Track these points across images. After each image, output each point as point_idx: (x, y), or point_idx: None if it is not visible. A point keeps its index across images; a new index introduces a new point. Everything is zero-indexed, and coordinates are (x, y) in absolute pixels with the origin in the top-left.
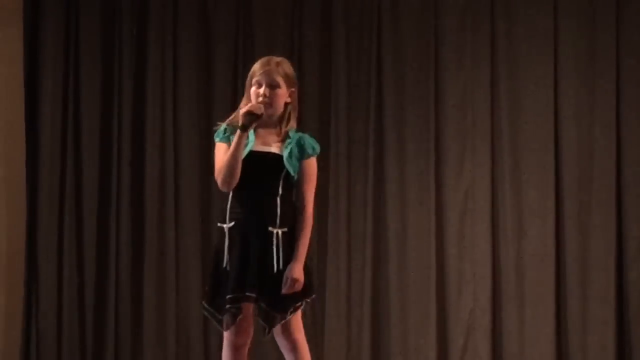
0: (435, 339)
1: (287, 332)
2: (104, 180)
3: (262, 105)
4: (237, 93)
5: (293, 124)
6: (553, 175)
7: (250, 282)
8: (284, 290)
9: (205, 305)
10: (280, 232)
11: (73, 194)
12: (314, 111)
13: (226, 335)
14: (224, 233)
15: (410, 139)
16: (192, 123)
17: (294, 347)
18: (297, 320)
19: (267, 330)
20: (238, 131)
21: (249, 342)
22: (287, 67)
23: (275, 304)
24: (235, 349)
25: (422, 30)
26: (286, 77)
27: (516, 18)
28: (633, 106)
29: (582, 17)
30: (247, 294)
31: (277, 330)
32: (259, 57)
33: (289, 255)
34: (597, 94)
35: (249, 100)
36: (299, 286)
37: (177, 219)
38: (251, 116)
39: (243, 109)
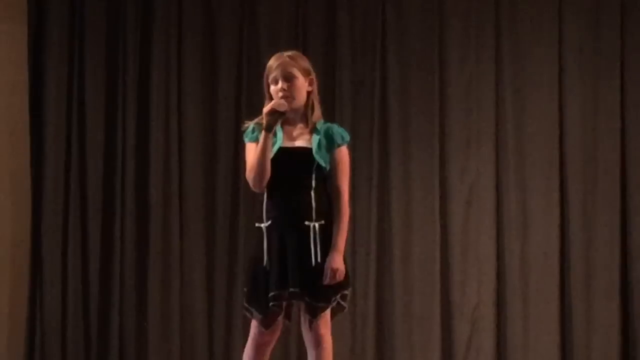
0: (440, 335)
1: (314, 326)
2: (108, 178)
3: (284, 102)
4: (242, 89)
5: (318, 113)
6: (557, 172)
7: (293, 278)
8: (325, 281)
9: (246, 305)
10: (317, 225)
11: (78, 192)
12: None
13: (253, 332)
14: (262, 232)
15: (414, 135)
16: (196, 120)
17: (318, 343)
18: (325, 317)
19: (311, 323)
20: (263, 132)
21: (274, 341)
22: (300, 57)
23: (318, 295)
24: (260, 346)
25: (427, 27)
26: (301, 67)
27: (521, 16)
28: (638, 104)
29: (587, 16)
30: (291, 289)
31: (304, 324)
32: (264, 52)
33: (327, 247)
34: (602, 92)
35: (270, 99)
36: (340, 276)
37: (182, 217)
38: (274, 115)
39: (266, 109)
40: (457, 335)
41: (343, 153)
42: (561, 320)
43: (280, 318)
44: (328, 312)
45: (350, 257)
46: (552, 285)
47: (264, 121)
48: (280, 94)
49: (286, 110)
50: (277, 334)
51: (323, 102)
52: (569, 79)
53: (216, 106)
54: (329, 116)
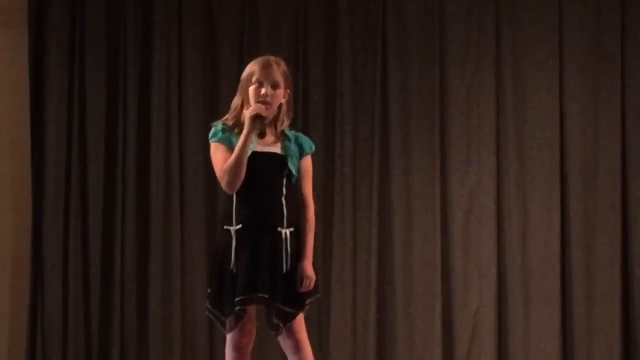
0: (441, 339)
1: (292, 332)
2: (109, 180)
3: (264, 107)
4: None
5: (287, 122)
6: (558, 175)
7: (262, 283)
8: (301, 289)
9: (210, 307)
10: (287, 232)
11: (78, 195)
12: (319, 111)
13: (230, 336)
14: (231, 235)
15: (415, 139)
16: (197, 122)
17: (297, 347)
18: (300, 321)
19: (280, 329)
20: (243, 134)
21: (251, 343)
22: (284, 66)
23: (291, 301)
24: (239, 349)
25: (427, 32)
26: (285, 78)
27: (521, 21)
28: (639, 109)
29: (587, 20)
30: (260, 294)
31: (279, 333)
32: (264, 54)
33: (296, 254)
34: (603, 96)
35: (245, 98)
36: (312, 283)
37: (183, 220)
38: (260, 119)
39: (250, 112)
40: (458, 339)
41: (310, 162)
42: (562, 324)
43: (251, 320)
44: (302, 318)
45: (351, 261)
46: (553, 288)
47: (248, 124)
48: (263, 98)
49: (266, 115)
50: (253, 335)
51: (324, 114)
52: (569, 84)
53: (217, 109)
54: (330, 121)
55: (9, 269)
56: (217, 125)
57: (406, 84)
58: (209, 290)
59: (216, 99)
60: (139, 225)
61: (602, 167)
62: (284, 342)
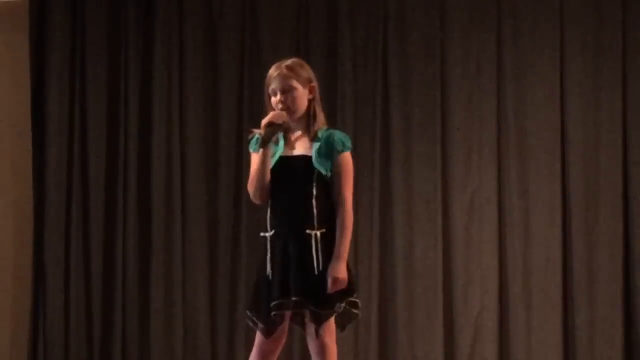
0: (443, 342)
1: (319, 335)
2: (110, 184)
3: (284, 113)
4: (244, 97)
5: (321, 120)
6: (560, 178)
7: (295, 287)
8: (328, 290)
9: (248, 313)
10: (318, 233)
11: (80, 199)
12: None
13: (258, 340)
14: (266, 242)
15: (416, 144)
16: (198, 126)
17: (322, 351)
18: (329, 325)
19: (316, 331)
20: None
21: (279, 349)
22: (298, 66)
23: (322, 303)
24: (264, 355)
25: (428, 34)
26: (299, 77)
27: (522, 20)
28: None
29: (588, 20)
30: (293, 298)
31: (309, 333)
32: (266, 61)
33: (330, 255)
34: (604, 99)
35: (270, 109)
36: (342, 284)
37: (184, 223)
38: (272, 127)
39: (263, 121)
40: (460, 343)
41: (345, 160)
42: (564, 327)
43: (283, 326)
44: (332, 321)
45: (353, 266)
46: (554, 292)
47: (262, 134)
48: (280, 106)
49: (285, 121)
50: (282, 342)
51: (324, 109)
52: (570, 86)
53: (218, 113)
54: (331, 124)
55: (10, 272)
56: (255, 135)
57: (407, 89)
58: (249, 299)
59: (217, 100)
60: (141, 228)
61: (604, 169)
62: (311, 345)
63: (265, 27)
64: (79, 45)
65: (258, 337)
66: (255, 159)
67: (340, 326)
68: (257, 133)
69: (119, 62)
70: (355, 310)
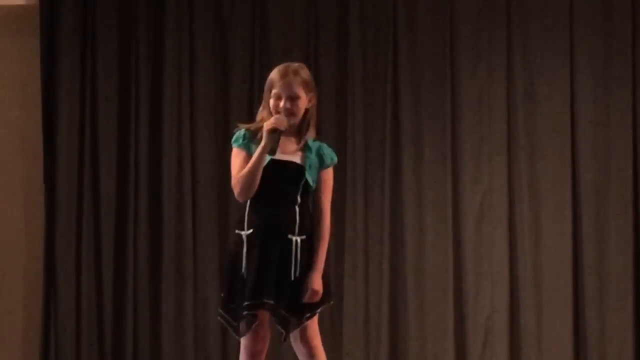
0: (453, 345)
1: (305, 338)
2: (121, 187)
3: (285, 119)
4: (254, 98)
5: (312, 131)
6: (570, 181)
7: (268, 289)
8: (304, 300)
9: (221, 312)
10: (299, 239)
11: (91, 201)
12: (330, 116)
13: (243, 342)
14: (242, 240)
15: (426, 146)
16: (209, 130)
17: (311, 353)
18: (314, 327)
19: (284, 336)
20: (260, 146)
21: (265, 349)
22: (305, 74)
23: (293, 309)
24: (252, 356)
25: (438, 36)
26: (305, 85)
27: (532, 26)
28: None
29: (598, 22)
30: (265, 300)
31: (294, 336)
32: (276, 63)
33: (306, 263)
34: (614, 100)
35: (268, 109)
36: (318, 296)
37: (195, 226)
38: (277, 133)
39: (267, 125)
40: (470, 345)
41: (330, 174)
42: (575, 329)
43: (265, 326)
44: (316, 322)
45: (364, 267)
46: (565, 294)
47: (265, 138)
48: (284, 112)
49: (285, 128)
50: (266, 342)
51: (335, 115)
52: (581, 89)
53: (228, 117)
54: (341, 128)
55: (22, 278)
56: (241, 131)
57: (417, 91)
58: (222, 295)
59: (227, 104)
60: (152, 232)
61: (614, 172)
62: (299, 349)
63: (275, 31)
64: (89, 49)
65: (243, 340)
66: (241, 155)
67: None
68: (244, 128)
69: (129, 66)
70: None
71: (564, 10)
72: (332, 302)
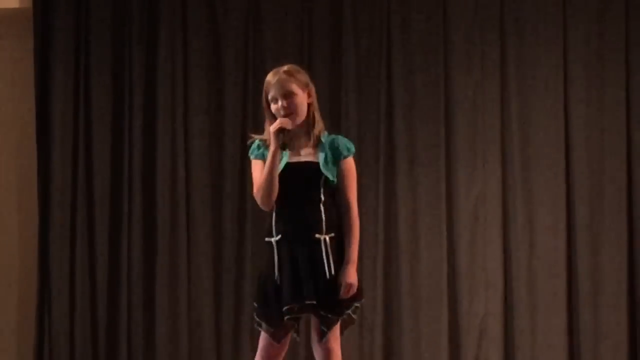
0: (447, 347)
1: (325, 340)
2: (115, 188)
3: (288, 119)
4: (248, 99)
5: (320, 125)
6: (564, 183)
7: (308, 291)
8: (341, 295)
9: (257, 319)
10: (327, 237)
11: (85, 203)
12: (323, 119)
13: (265, 345)
14: (272, 247)
15: (420, 148)
16: (203, 131)
17: (328, 356)
18: (335, 331)
19: (325, 336)
20: (270, 151)
21: (284, 353)
22: (297, 71)
23: (333, 308)
24: (271, 359)
25: (431, 39)
26: (298, 81)
27: (525, 24)
28: None
29: (591, 25)
30: (307, 302)
31: (315, 338)
32: (270, 66)
33: (339, 260)
34: (608, 102)
35: (271, 118)
36: (354, 289)
37: (189, 226)
38: (284, 133)
39: (273, 128)
40: (464, 347)
41: (349, 164)
42: (569, 331)
43: (290, 331)
44: (338, 326)
45: (358, 269)
46: (559, 296)
47: (273, 141)
48: (282, 112)
49: (291, 127)
50: (286, 347)
51: (329, 116)
52: (574, 90)
53: (222, 116)
54: (334, 130)
55: (16, 278)
56: (255, 142)
57: (411, 94)
58: (255, 305)
59: (222, 105)
60: (146, 231)
61: (608, 173)
62: (316, 350)
63: (268, 33)
64: (83, 52)
65: (263, 341)
66: (258, 165)
67: (340, 332)
68: (257, 139)
69: (123, 69)
70: (354, 316)
71: (557, 10)
72: (363, 300)
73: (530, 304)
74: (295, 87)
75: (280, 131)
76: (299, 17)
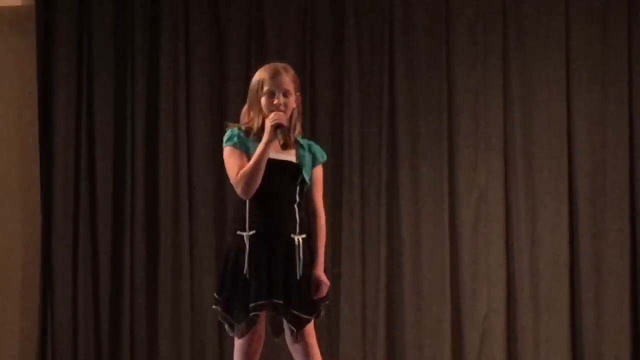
0: (450, 344)
1: (302, 337)
2: (118, 187)
3: (284, 115)
4: None
5: (299, 129)
6: (566, 180)
7: (277, 289)
8: (315, 295)
9: (222, 312)
10: (300, 238)
11: (87, 203)
12: (326, 117)
13: (240, 342)
14: (244, 241)
15: (423, 144)
16: (205, 128)
17: (307, 352)
18: (311, 326)
19: (295, 334)
20: (263, 142)
21: (260, 349)
22: (292, 72)
23: (305, 308)
24: (248, 356)
25: (434, 35)
26: (295, 84)
27: (528, 20)
28: None
29: (595, 23)
30: (274, 300)
31: (288, 339)
32: (272, 61)
33: (309, 261)
34: (610, 100)
35: (256, 106)
36: (325, 290)
37: (192, 224)
38: (282, 128)
39: (270, 121)
40: (467, 345)
41: (321, 171)
42: (572, 329)
43: (262, 326)
44: (312, 323)
45: (360, 267)
46: (562, 293)
47: (268, 135)
48: (282, 107)
49: (287, 123)
50: (261, 342)
51: (331, 112)
52: (576, 88)
53: (224, 115)
54: (337, 128)
55: (19, 278)
56: (233, 130)
57: (413, 90)
58: (216, 296)
59: (224, 104)
60: (148, 230)
61: (610, 170)
62: (294, 348)
63: (271, 31)
64: (86, 49)
65: (238, 340)
66: (236, 153)
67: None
68: (236, 127)
69: (126, 66)
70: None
71: (560, 7)
72: (328, 301)
73: (532, 301)
74: (291, 88)
75: (279, 126)
76: (302, 11)
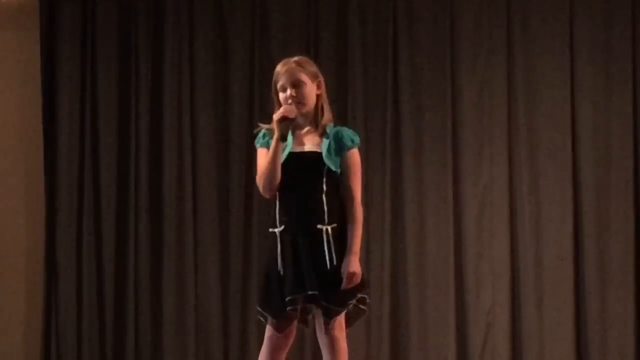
0: (455, 338)
1: (330, 330)
2: (122, 184)
3: (294, 108)
4: (254, 92)
5: (328, 116)
6: (571, 172)
7: (310, 281)
8: (343, 285)
9: (260, 309)
10: (329, 228)
11: (91, 197)
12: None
13: (270, 336)
14: (276, 237)
15: (427, 139)
16: (209, 124)
17: (333, 345)
18: (340, 320)
19: (329, 325)
20: (274, 138)
21: (290, 344)
22: (307, 62)
23: (334, 299)
24: (275, 351)
25: (438, 29)
26: (307, 72)
27: (532, 21)
28: None
29: (598, 17)
30: (309, 292)
31: (320, 327)
32: (276, 56)
33: (341, 251)
34: (615, 95)
35: (276, 106)
36: (357, 279)
37: (196, 220)
38: (285, 122)
39: (276, 116)
40: (471, 338)
41: (354, 156)
42: (576, 322)
43: (295, 322)
44: (342, 316)
45: (364, 261)
46: (566, 286)
47: (276, 129)
48: (290, 100)
49: (296, 116)
50: (292, 338)
51: (335, 107)
52: (581, 82)
53: (229, 109)
54: (341, 121)
55: (23, 275)
56: (261, 130)
57: (418, 83)
58: (258, 295)
59: (228, 100)
60: (152, 227)
61: (615, 163)
62: (321, 340)
63: (275, 26)
64: (89, 44)
65: (268, 332)
66: (263, 153)
67: (348, 323)
68: (265, 128)
69: (129, 61)
70: (362, 307)
71: (564, 3)
72: (368, 290)
73: (537, 294)
74: (304, 77)
75: (283, 120)
76: (306, 4)
